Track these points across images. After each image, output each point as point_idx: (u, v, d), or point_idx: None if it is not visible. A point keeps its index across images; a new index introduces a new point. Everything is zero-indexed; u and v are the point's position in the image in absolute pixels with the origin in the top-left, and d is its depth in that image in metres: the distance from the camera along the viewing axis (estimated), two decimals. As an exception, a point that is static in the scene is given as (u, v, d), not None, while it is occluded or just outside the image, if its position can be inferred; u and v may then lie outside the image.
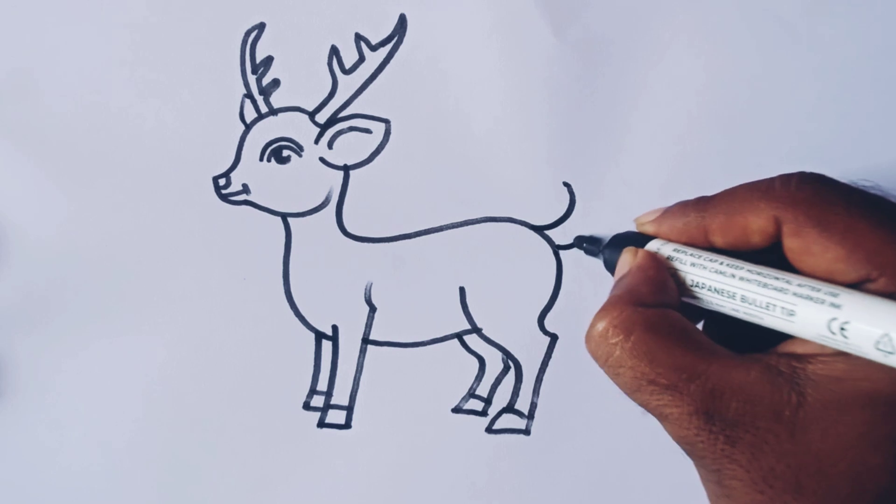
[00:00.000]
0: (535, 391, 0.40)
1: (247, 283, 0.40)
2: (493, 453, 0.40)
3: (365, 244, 0.40)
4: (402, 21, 0.39)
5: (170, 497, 0.40)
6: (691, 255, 0.32)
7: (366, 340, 0.40)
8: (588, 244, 0.39)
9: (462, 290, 0.40)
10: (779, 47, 0.39)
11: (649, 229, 0.33)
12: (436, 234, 0.40)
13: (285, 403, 0.40)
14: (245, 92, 0.40)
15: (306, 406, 0.40)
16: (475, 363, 0.40)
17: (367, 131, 0.40)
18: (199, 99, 0.40)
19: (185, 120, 0.40)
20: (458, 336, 0.40)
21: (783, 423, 0.27)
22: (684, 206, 0.32)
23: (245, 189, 0.40)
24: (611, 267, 0.35)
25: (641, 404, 0.29)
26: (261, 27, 0.39)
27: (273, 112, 0.40)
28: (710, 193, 0.39)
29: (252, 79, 0.39)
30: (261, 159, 0.40)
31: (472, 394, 0.40)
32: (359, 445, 0.40)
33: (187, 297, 0.40)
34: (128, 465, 0.40)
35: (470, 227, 0.40)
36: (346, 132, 0.40)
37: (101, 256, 0.40)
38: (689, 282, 0.31)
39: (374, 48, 0.39)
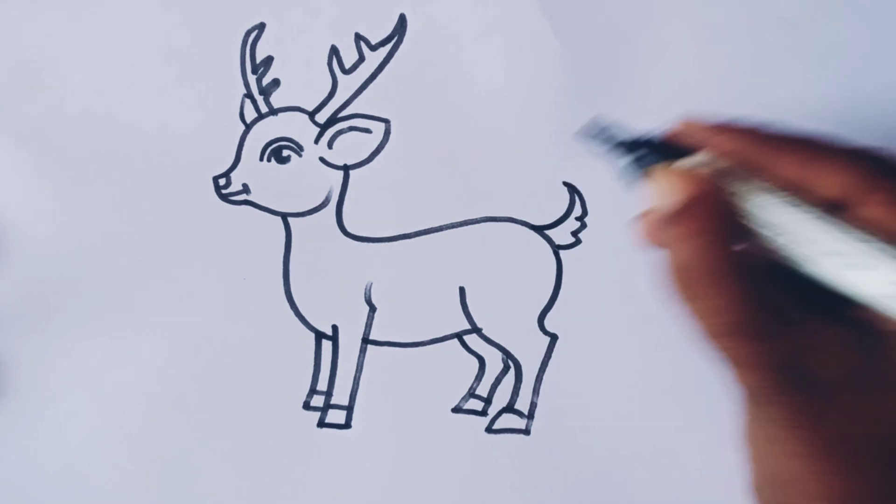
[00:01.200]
0: (535, 391, 0.40)
1: (247, 282, 0.40)
2: (493, 453, 0.40)
3: (365, 244, 0.40)
4: (402, 21, 0.39)
5: (170, 497, 0.40)
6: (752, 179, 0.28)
7: (366, 340, 0.40)
8: (602, 134, 0.31)
9: (462, 289, 0.40)
10: (780, 47, 0.39)
11: (701, 136, 0.29)
12: (436, 234, 0.40)
13: (285, 403, 0.40)
14: (245, 92, 0.40)
15: (306, 406, 0.40)
16: (475, 363, 0.40)
17: (367, 131, 0.40)
18: (200, 99, 0.40)
19: (185, 120, 0.40)
20: (458, 336, 0.40)
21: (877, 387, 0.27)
22: (748, 126, 0.29)
23: (245, 189, 0.40)
24: (634, 173, 0.30)
25: (724, 350, 0.28)
26: (261, 27, 0.39)
27: (273, 112, 0.40)
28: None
29: (252, 79, 0.40)
30: (261, 159, 0.40)
31: (472, 394, 0.40)
32: (359, 445, 0.40)
33: (187, 297, 0.40)
34: (127, 465, 0.40)
35: (470, 226, 0.40)
36: (345, 132, 0.40)
37: (101, 256, 0.40)
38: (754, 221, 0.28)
39: (373, 48, 0.39)
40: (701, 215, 0.28)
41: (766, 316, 0.27)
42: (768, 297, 0.27)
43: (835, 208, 0.28)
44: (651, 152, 0.30)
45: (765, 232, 0.28)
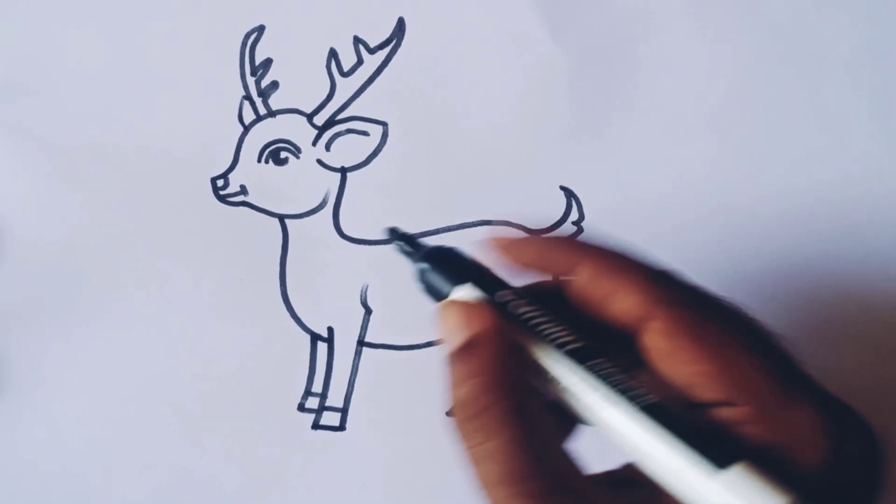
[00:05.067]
0: (530, 395, 0.40)
1: (243, 283, 0.40)
2: (487, 457, 0.40)
3: (361, 246, 0.40)
4: (401, 24, 0.39)
5: (164, 497, 0.40)
6: (536, 317, 0.26)
7: (361, 342, 0.40)
8: (405, 243, 0.30)
9: (458, 293, 0.40)
10: (777, 49, 0.39)
11: (504, 247, 0.29)
12: (432, 237, 0.40)
13: (280, 405, 0.40)
14: (244, 94, 0.40)
15: (301, 408, 0.40)
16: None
17: (365, 134, 0.40)
18: (199, 100, 0.40)
19: (184, 121, 0.40)
20: (454, 339, 0.40)
21: None
22: (558, 237, 0.29)
23: (243, 190, 0.40)
24: (429, 287, 0.29)
25: (495, 501, 0.26)
26: (260, 30, 0.40)
27: (271, 114, 0.40)
28: (703, 196, 0.39)
29: (251, 81, 0.40)
30: (259, 161, 0.40)
31: (466, 397, 0.40)
32: (353, 447, 0.40)
33: (184, 297, 0.40)
34: (123, 465, 0.40)
35: (466, 229, 0.40)
36: (343, 134, 0.40)
37: (99, 256, 0.40)
38: (536, 360, 0.26)
39: (372, 51, 0.39)
40: (480, 355, 0.26)
41: (543, 470, 0.25)
42: (550, 449, 0.26)
43: (625, 334, 0.26)
44: (442, 267, 0.28)
45: (547, 377, 0.26)
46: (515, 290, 0.27)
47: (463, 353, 0.27)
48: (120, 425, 0.40)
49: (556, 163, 0.39)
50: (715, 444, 0.24)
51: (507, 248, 0.29)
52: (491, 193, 0.40)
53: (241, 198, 0.40)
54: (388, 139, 0.40)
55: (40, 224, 0.40)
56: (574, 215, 0.40)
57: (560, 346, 0.26)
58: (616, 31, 0.39)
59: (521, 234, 0.32)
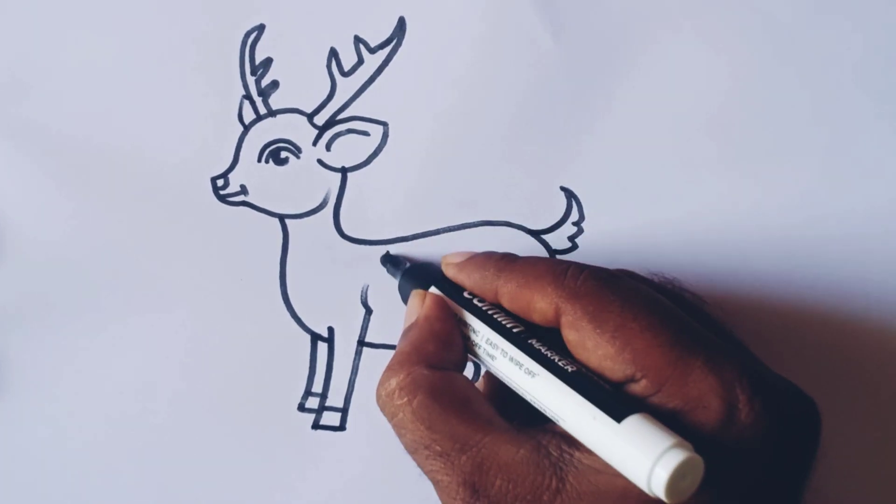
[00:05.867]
0: (531, 396, 0.40)
1: (244, 283, 0.40)
2: (487, 457, 0.40)
3: (362, 246, 0.40)
4: (402, 24, 0.39)
5: (164, 497, 0.40)
6: (482, 308, 0.32)
7: (361, 343, 0.40)
8: (390, 265, 0.39)
9: (458, 293, 0.40)
10: (777, 50, 0.39)
11: (450, 273, 0.34)
12: (432, 238, 0.40)
13: (280, 405, 0.40)
14: (244, 93, 0.40)
15: (301, 408, 0.40)
16: (470, 366, 0.40)
17: (366, 134, 0.40)
18: (198, 100, 0.40)
19: (183, 120, 0.40)
20: (454, 339, 0.40)
21: None
22: (487, 259, 0.33)
23: (243, 190, 0.40)
24: (403, 296, 0.36)
25: (419, 465, 0.30)
26: (260, 29, 0.39)
27: (272, 113, 0.40)
28: (703, 198, 0.39)
29: (251, 80, 0.40)
30: (259, 160, 0.40)
31: (467, 397, 0.40)
32: (353, 447, 0.40)
33: (184, 297, 0.40)
34: (123, 465, 0.40)
35: (467, 230, 0.40)
36: (344, 134, 0.40)
37: (99, 256, 0.40)
38: (472, 339, 0.32)
39: (372, 51, 0.39)
40: (407, 336, 0.32)
41: (445, 433, 0.29)
42: (459, 413, 0.29)
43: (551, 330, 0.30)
44: (413, 279, 0.36)
45: (481, 353, 0.32)
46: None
47: (401, 336, 0.33)
48: (120, 425, 0.40)
49: (557, 163, 0.39)
50: (616, 403, 0.27)
51: (453, 274, 0.34)
52: (491, 193, 0.40)
53: (241, 198, 0.40)
54: (389, 139, 0.40)
55: (40, 224, 0.40)
56: (574, 216, 0.40)
57: (501, 330, 0.31)
58: (617, 31, 0.39)
59: (470, 252, 0.35)
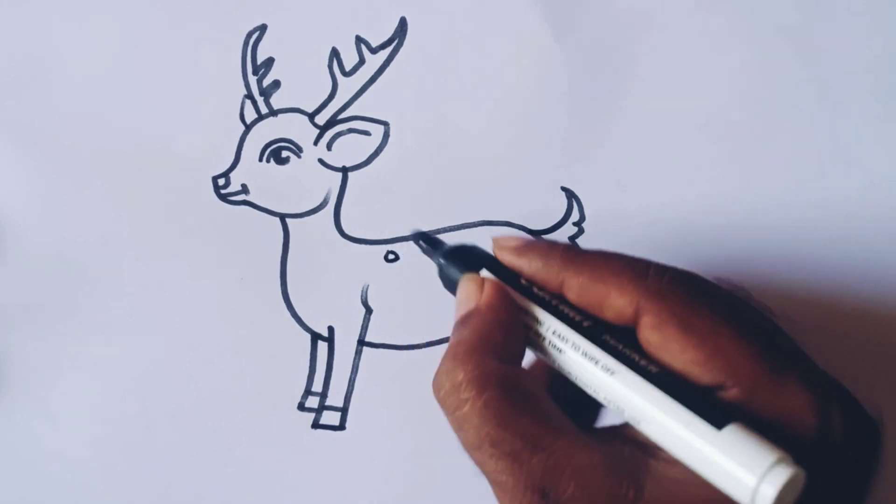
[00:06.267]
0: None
1: (244, 282, 0.40)
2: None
3: (362, 246, 0.40)
4: (403, 24, 0.39)
5: (163, 496, 0.40)
6: (546, 298, 0.29)
7: (361, 342, 0.40)
8: (427, 244, 0.34)
9: (458, 293, 0.40)
10: (778, 53, 0.39)
11: (506, 258, 0.31)
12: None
13: (280, 404, 0.40)
14: (246, 93, 0.40)
15: (301, 407, 0.40)
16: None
17: (366, 133, 0.40)
18: (200, 99, 0.40)
19: (185, 120, 0.40)
20: (454, 339, 0.40)
21: None
22: (551, 247, 0.30)
23: (244, 189, 0.40)
24: (446, 280, 0.32)
25: (478, 464, 0.27)
26: (262, 29, 0.40)
27: (273, 113, 0.40)
28: (704, 198, 0.39)
29: (253, 80, 0.40)
30: (260, 160, 0.40)
31: (467, 397, 0.40)
32: (353, 447, 0.40)
33: (185, 297, 0.40)
34: (122, 465, 0.40)
35: (467, 230, 0.40)
36: (345, 134, 0.40)
37: (100, 255, 0.40)
38: (536, 329, 0.29)
39: (374, 51, 0.39)
40: (469, 325, 0.29)
41: (516, 432, 0.26)
42: (527, 412, 0.27)
43: (627, 329, 0.28)
44: (461, 261, 0.31)
45: (547, 346, 0.29)
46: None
47: (459, 323, 0.29)
48: (120, 425, 0.40)
49: (558, 163, 0.39)
50: (714, 409, 0.25)
51: (510, 259, 0.31)
52: (492, 194, 0.40)
53: (242, 197, 0.40)
54: (390, 139, 0.40)
55: (40, 224, 0.40)
56: (575, 216, 0.40)
57: (570, 322, 0.28)
58: (617, 31, 0.39)
59: (524, 236, 0.32)
